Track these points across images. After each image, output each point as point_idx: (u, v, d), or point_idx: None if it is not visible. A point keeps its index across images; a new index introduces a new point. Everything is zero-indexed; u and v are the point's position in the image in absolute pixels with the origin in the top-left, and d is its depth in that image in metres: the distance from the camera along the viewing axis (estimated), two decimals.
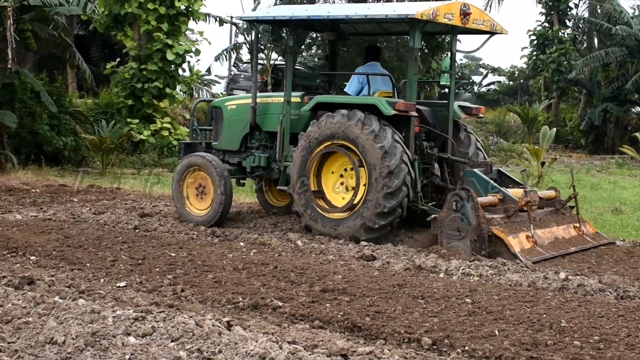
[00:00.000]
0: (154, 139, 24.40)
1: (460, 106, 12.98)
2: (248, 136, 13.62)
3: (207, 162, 13.01)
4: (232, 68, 38.95)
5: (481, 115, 13.24)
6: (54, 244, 10.65)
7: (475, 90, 62.72)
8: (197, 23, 26.21)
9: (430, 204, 12.21)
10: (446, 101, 12.80)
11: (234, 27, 37.70)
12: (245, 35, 32.49)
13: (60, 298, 7.59)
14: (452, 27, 12.26)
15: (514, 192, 11.55)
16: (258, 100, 13.40)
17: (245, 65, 35.62)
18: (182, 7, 24.25)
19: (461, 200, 10.75)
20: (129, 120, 24.29)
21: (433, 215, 11.14)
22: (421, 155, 12.31)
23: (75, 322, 6.65)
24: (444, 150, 12.62)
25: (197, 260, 9.90)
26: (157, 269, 9.37)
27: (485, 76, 64.08)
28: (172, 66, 24.52)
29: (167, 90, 24.66)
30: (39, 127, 21.10)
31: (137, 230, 12.22)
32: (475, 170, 12.04)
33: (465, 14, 11.90)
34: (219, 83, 47.37)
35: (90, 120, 23.16)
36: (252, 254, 10.56)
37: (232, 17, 36.24)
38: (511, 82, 61.12)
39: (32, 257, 9.83)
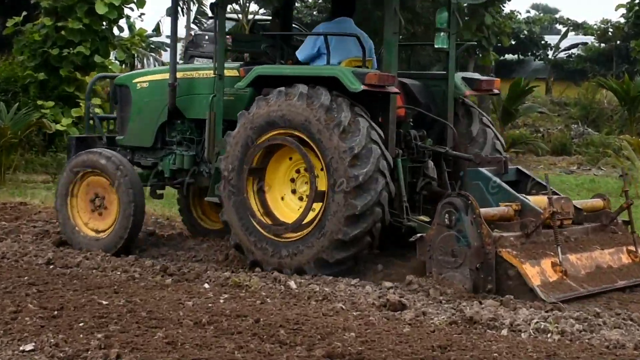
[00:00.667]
0: (77, 129, 24.29)
1: (464, 79, 13.16)
2: (166, 127, 13.66)
3: (110, 163, 12.90)
4: (192, 26, 39.04)
5: (496, 90, 13.47)
6: None
7: (550, 56, 62.64)
8: None
9: (421, 217, 12.09)
10: (444, 72, 12.96)
11: None
12: None
13: None
14: None
15: (538, 201, 11.49)
16: (179, 75, 13.32)
17: (211, 22, 35.62)
18: None
19: (456, 211, 10.67)
20: (39, 102, 24.18)
21: (419, 235, 11.00)
22: (408, 149, 12.34)
23: None
24: (443, 143, 12.72)
25: (141, 311, 9.66)
26: (81, 324, 9.11)
27: (565, 36, 63.84)
28: (104, 23, 24.49)
29: (97, 58, 24.59)
30: None
31: (52, 267, 12.07)
32: (482, 169, 12.13)
33: None
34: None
35: None
36: (221, 300, 10.38)
37: None
38: (603, 45, 60.53)
39: None
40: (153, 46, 40.83)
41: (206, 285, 11.31)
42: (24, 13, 25.77)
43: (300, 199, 12.07)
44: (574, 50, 61.40)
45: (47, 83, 24.52)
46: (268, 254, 11.86)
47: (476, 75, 13.29)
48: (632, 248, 11.76)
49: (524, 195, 11.61)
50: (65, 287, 10.85)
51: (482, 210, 10.71)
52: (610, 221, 11.86)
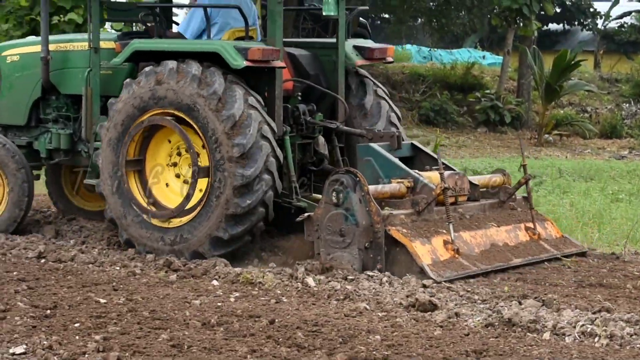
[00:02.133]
0: None
1: (356, 47, 13.56)
2: (40, 103, 14.01)
3: None
4: None
5: (389, 59, 13.96)
6: None
7: (600, 26, 62.37)
8: None
9: (313, 196, 12.69)
10: (334, 40, 13.34)
11: None
12: None
13: None
14: None
15: (431, 177, 12.07)
16: (52, 47, 13.64)
17: None
18: None
19: (344, 189, 11.19)
20: None
21: (306, 214, 11.57)
22: (297, 125, 12.86)
23: None
24: (334, 117, 13.20)
25: (143, 310, 9.87)
26: (77, 325, 9.30)
27: (616, 2, 63.45)
28: None
29: None
30: None
31: (43, 261, 12.30)
32: (373, 145, 12.55)
33: None
34: None
35: None
36: (232, 299, 10.56)
37: None
38: None
39: None
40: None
41: (215, 282, 11.44)
42: None
43: (186, 182, 12.57)
44: (627, 19, 60.69)
45: None
46: (159, 241, 12.43)
47: (369, 43, 13.74)
48: (530, 225, 12.47)
49: (417, 171, 12.19)
50: (59, 284, 10.99)
51: (372, 187, 11.28)
52: (509, 197, 12.59)
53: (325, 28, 35.33)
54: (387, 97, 13.62)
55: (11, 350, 8.52)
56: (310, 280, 11.31)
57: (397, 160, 12.32)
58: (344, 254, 11.14)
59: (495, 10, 36.82)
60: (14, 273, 11.38)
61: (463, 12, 38.16)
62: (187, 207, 12.19)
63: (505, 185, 12.78)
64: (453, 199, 11.73)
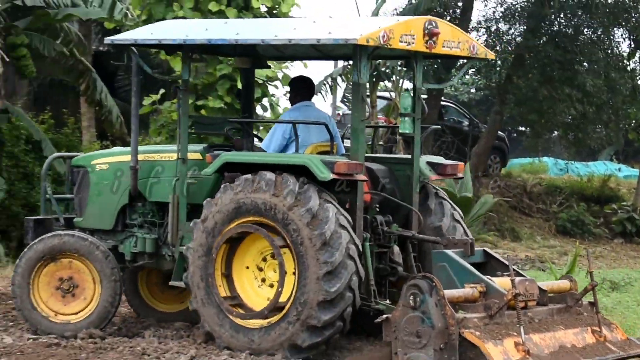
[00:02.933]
0: None
1: (429, 163, 14.07)
2: (127, 209, 14.42)
3: (90, 245, 13.84)
4: (339, 104, 39.32)
5: (460, 174, 14.53)
6: None
7: None
8: None
9: (388, 301, 13.05)
10: (409, 156, 13.89)
11: None
12: None
13: None
14: (413, 53, 13.30)
15: (503, 282, 12.24)
16: (141, 157, 14.09)
17: None
18: (263, 9, 24.56)
19: (421, 293, 11.46)
20: None
21: (385, 316, 11.72)
22: (374, 235, 13.21)
23: None
24: (408, 227, 13.62)
25: None
26: None
27: None
28: (258, 107, 24.83)
29: None
30: (39, 196, 21.62)
31: None
32: (447, 251, 12.92)
33: (431, 34, 12.94)
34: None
35: None
36: None
37: None
38: None
39: None
40: None
41: None
42: (162, 91, 26.22)
43: (271, 286, 13.01)
44: None
45: None
46: (240, 340, 12.81)
47: (440, 159, 14.37)
48: (597, 328, 12.55)
49: (489, 277, 12.41)
50: None
51: (447, 291, 11.49)
52: (575, 302, 12.70)
53: (464, 142, 35.46)
54: (447, 199, 14.37)
55: None
56: None
57: (470, 266, 12.65)
58: (420, 354, 11.38)
59: (632, 125, 36.48)
60: None
61: (600, 126, 37.77)
62: (272, 308, 12.75)
63: (572, 291, 12.93)
64: (523, 304, 11.90)
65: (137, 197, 14.20)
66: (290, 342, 12.46)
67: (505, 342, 11.48)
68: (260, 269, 13.12)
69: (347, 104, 37.40)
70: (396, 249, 13.28)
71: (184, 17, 24.26)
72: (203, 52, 15.97)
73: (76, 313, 13.84)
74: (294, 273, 12.49)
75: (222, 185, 13.03)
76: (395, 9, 32.86)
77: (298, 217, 12.42)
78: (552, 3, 32.42)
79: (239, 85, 24.13)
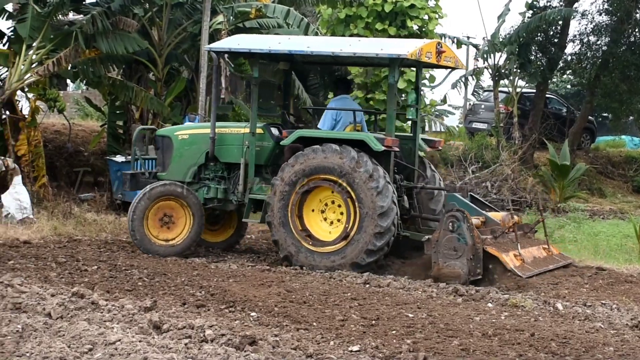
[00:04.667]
0: None
1: (423, 139, 15.66)
2: (202, 167, 15.43)
3: (186, 192, 14.88)
4: (470, 97, 38.94)
5: (440, 147, 16.26)
6: (276, 298, 11.24)
7: None
8: None
9: (408, 232, 14.44)
10: (411, 134, 15.43)
11: (473, 50, 37.80)
12: (487, 59, 32.42)
13: None
14: (418, 62, 14.58)
15: (494, 215, 14.18)
16: (216, 130, 15.20)
17: (486, 94, 35.53)
18: (415, 28, 24.60)
19: (457, 221, 13.03)
20: None
21: (427, 237, 13.49)
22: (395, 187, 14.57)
23: None
24: (410, 182, 15.05)
25: (439, 323, 10.16)
26: (394, 332, 9.61)
27: None
28: (403, 95, 24.81)
29: (397, 122, 24.97)
30: None
31: (368, 286, 12.63)
32: (456, 194, 14.42)
33: (439, 52, 14.41)
34: (453, 114, 47.48)
35: None
36: (503, 317, 10.71)
37: (468, 38, 36.32)
38: None
39: (253, 313, 10.32)
40: (438, 113, 40.89)
41: (489, 304, 11.70)
42: None
43: (331, 223, 14.16)
44: None
45: None
46: (315, 260, 13.82)
47: (427, 137, 16.51)
48: (546, 246, 14.46)
49: (484, 211, 14.32)
50: (379, 302, 11.39)
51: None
52: (529, 230, 14.50)
53: (563, 124, 35.01)
54: (432, 166, 15.56)
55: (350, 348, 8.80)
56: (559, 305, 11.51)
57: (472, 204, 14.18)
58: (457, 262, 12.85)
59: None
60: (348, 294, 11.62)
61: None
62: (343, 236, 13.80)
63: (526, 223, 15.06)
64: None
65: (211, 159, 15.31)
66: (353, 262, 13.66)
67: (509, 253, 13.22)
68: (322, 211, 14.24)
69: (473, 96, 36.86)
70: (405, 197, 14.70)
71: (357, 35, 24.32)
72: (274, 59, 16.22)
73: (172, 239, 14.85)
74: (356, 213, 13.74)
75: (297, 154, 14.10)
76: (512, 26, 32.20)
77: (359, 175, 13.69)
78: (630, 20, 32.03)
79: (399, 83, 24.09)
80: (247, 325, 9.63)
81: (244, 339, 8.67)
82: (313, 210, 14.23)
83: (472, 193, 15.38)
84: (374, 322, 10.00)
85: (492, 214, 14.23)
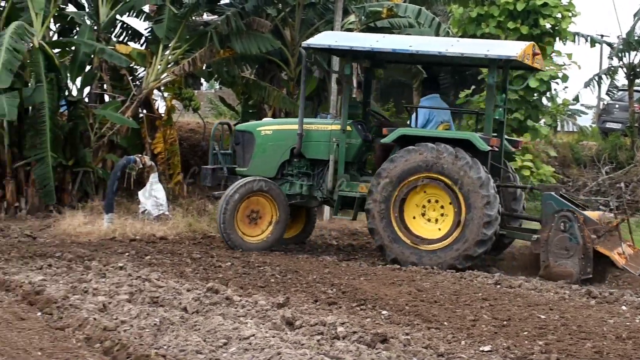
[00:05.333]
0: None
1: (507, 140, 15.56)
2: (286, 163, 15.27)
3: (274, 188, 14.95)
4: (604, 96, 38.12)
5: (520, 148, 16.20)
6: (406, 297, 11.30)
7: None
8: (564, 44, 26.08)
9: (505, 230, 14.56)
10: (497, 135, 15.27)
11: (607, 49, 36.98)
12: (622, 58, 31.73)
13: None
14: (520, 64, 14.50)
15: (591, 214, 13.92)
16: (297, 127, 15.10)
17: (620, 93, 34.77)
18: (548, 26, 24.22)
19: (569, 221, 13.23)
20: None
21: (536, 236, 13.62)
22: None
23: None
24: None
25: (572, 325, 10.02)
26: (525, 333, 9.54)
27: None
28: (535, 95, 24.50)
29: (529, 122, 24.67)
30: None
31: (499, 286, 12.55)
32: (552, 193, 14.09)
33: (534, 54, 14.60)
34: (585, 114, 46.60)
35: None
36: (637, 320, 10.52)
37: (602, 36, 35.59)
38: None
39: (384, 312, 10.40)
40: (570, 112, 40.23)
41: (623, 307, 11.51)
42: (473, 87, 26.23)
43: (429, 220, 14.09)
44: None
45: None
46: (420, 260, 13.73)
47: (510, 137, 17.08)
48: (631, 244, 14.51)
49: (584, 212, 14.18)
50: (511, 303, 11.29)
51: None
52: (615, 228, 14.05)
53: None
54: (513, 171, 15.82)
55: (481, 348, 8.72)
56: None
57: (569, 203, 13.89)
58: (568, 261, 13.05)
59: None
60: (479, 294, 11.59)
61: None
62: (446, 236, 13.84)
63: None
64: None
65: (297, 155, 15.17)
66: (449, 264, 13.66)
67: (614, 252, 13.39)
68: (423, 206, 14.09)
69: (607, 96, 36.10)
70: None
71: (489, 34, 24.07)
72: (368, 58, 16.05)
73: (258, 235, 14.97)
74: (460, 217, 13.73)
75: (404, 149, 13.97)
76: None
77: (470, 181, 13.61)
78: None
79: (530, 83, 23.77)
80: (378, 323, 9.68)
81: (375, 337, 8.73)
82: (417, 205, 14.05)
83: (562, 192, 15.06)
84: (505, 322, 9.92)
85: (588, 213, 13.96)
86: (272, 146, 15.28)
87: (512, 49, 14.15)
